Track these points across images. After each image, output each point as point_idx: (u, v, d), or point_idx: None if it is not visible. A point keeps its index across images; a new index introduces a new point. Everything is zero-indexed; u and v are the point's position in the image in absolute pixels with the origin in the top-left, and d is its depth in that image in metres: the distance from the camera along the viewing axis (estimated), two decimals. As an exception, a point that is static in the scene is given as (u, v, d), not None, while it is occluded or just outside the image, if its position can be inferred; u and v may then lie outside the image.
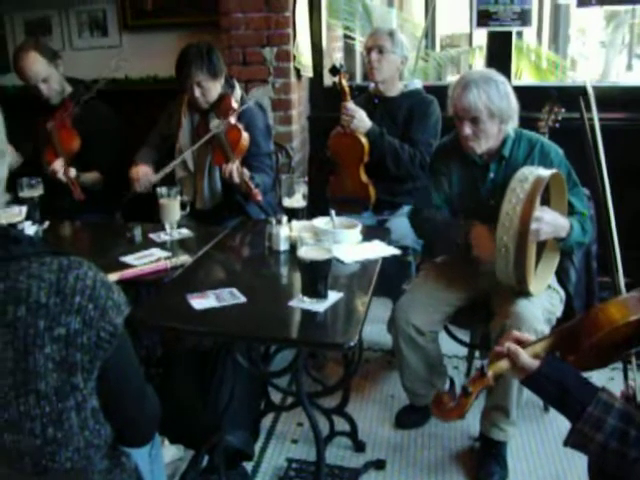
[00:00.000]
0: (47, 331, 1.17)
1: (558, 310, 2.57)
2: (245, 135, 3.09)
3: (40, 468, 1.24)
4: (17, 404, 1.18)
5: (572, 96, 3.41)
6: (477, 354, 3.20)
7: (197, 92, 3.11)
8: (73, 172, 3.26)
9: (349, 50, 4.94)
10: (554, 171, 2.36)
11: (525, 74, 5.98)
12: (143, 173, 3.15)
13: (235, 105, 3.14)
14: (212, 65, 3.10)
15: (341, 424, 2.73)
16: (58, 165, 3.23)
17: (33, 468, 1.24)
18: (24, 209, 2.77)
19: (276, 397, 2.80)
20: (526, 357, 1.48)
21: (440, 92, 3.37)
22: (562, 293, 2.63)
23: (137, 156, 3.32)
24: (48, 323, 1.17)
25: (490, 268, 2.42)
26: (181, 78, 3.12)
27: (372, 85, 3.48)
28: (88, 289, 1.22)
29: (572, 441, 1.40)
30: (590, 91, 2.74)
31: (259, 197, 2.99)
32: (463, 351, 3.25)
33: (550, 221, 2.34)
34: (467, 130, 2.50)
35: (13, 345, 1.16)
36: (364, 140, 3.29)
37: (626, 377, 2.51)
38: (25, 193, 2.83)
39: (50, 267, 1.20)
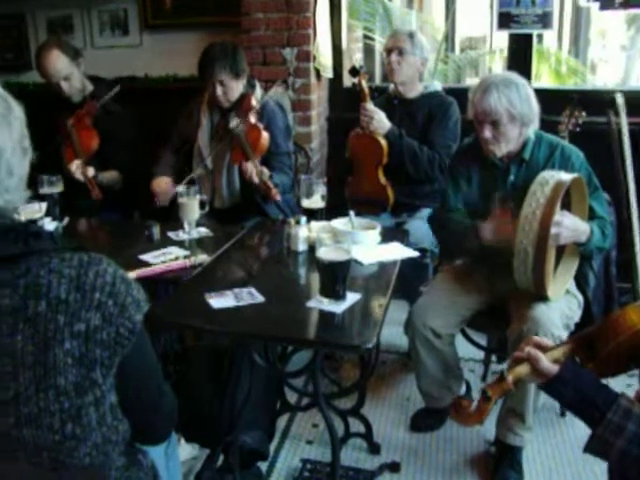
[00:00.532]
0: (67, 326, 1.18)
1: (576, 315, 2.55)
2: (265, 135, 3.10)
3: (58, 463, 1.24)
4: (37, 399, 1.18)
5: (594, 100, 3.41)
6: (494, 358, 3.19)
7: (219, 90, 3.12)
8: (91, 171, 3.27)
9: (369, 51, 4.94)
10: (575, 175, 2.34)
11: (544, 78, 5.96)
12: (164, 189, 3.16)
13: (255, 104, 3.15)
14: (236, 64, 3.11)
15: (356, 425, 2.72)
16: (74, 167, 3.24)
17: (51, 463, 1.23)
18: (44, 205, 2.79)
19: (292, 397, 2.80)
20: (546, 362, 1.47)
21: (459, 94, 3.36)
22: (580, 298, 2.61)
23: (156, 167, 3.33)
24: (68, 318, 1.18)
25: (508, 264, 2.40)
26: (204, 75, 3.13)
27: (392, 86, 3.48)
28: (108, 285, 1.23)
29: (592, 447, 1.39)
30: (619, 100, 2.71)
31: (278, 197, 3.00)
32: (479, 354, 3.23)
33: (570, 225, 2.32)
34: (487, 133, 2.49)
35: (33, 340, 1.17)
36: (383, 141, 3.28)
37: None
38: (45, 190, 2.85)
39: (70, 263, 1.21)
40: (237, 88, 3.17)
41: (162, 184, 3.19)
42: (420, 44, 3.35)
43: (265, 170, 3.00)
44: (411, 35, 3.35)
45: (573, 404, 1.44)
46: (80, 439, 1.24)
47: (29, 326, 1.16)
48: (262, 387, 2.39)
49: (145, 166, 3.48)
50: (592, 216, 2.49)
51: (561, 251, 2.49)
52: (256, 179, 2.98)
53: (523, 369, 1.50)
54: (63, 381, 1.19)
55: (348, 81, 4.08)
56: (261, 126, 3.12)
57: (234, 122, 3.09)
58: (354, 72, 3.31)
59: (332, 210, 2.71)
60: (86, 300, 1.20)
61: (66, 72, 3.36)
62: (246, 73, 3.21)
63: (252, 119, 3.10)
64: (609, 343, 1.49)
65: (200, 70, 3.14)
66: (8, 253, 1.18)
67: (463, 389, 2.86)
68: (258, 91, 3.27)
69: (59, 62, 3.34)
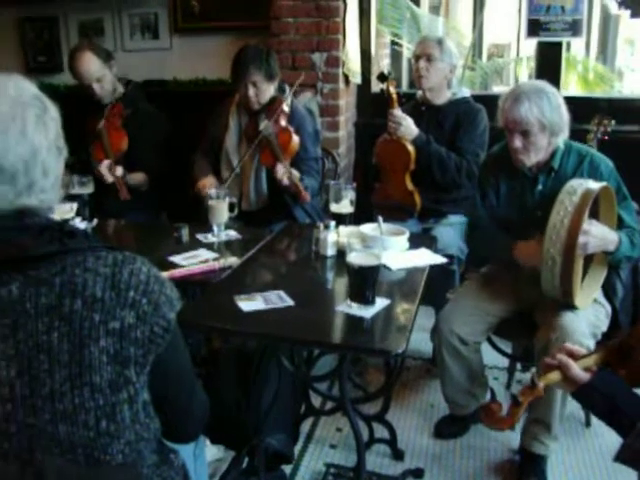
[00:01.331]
0: (102, 324, 1.20)
1: (604, 325, 2.54)
2: (295, 138, 3.12)
3: (93, 460, 1.25)
4: (72, 396, 1.20)
5: (622, 108, 3.39)
6: (518, 366, 3.18)
7: (251, 91, 3.14)
8: (120, 171, 3.31)
9: (396, 57, 4.94)
10: (604, 184, 2.34)
11: (572, 85, 5.94)
12: (209, 186, 3.17)
13: (286, 108, 3.17)
14: (270, 67, 3.14)
15: (380, 431, 2.72)
16: (104, 167, 3.27)
17: (86, 460, 1.25)
18: (75, 206, 2.82)
19: (316, 401, 2.81)
20: (577, 369, 1.47)
21: (486, 101, 3.38)
22: (608, 307, 2.59)
23: (196, 170, 3.36)
24: (103, 317, 1.20)
25: (532, 271, 2.40)
26: (237, 76, 3.16)
27: (419, 93, 3.47)
28: (142, 284, 1.24)
29: (622, 456, 1.38)
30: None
31: (308, 198, 3.02)
32: (504, 362, 3.22)
33: (598, 234, 2.31)
34: (517, 143, 2.49)
35: (69, 338, 1.18)
36: (411, 147, 3.28)
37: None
38: (76, 190, 2.88)
39: (105, 261, 1.22)
40: (269, 91, 3.19)
41: (207, 183, 3.22)
42: (449, 50, 3.34)
43: (295, 172, 3.02)
44: (440, 42, 3.35)
45: (604, 412, 1.43)
46: (114, 436, 1.26)
47: (65, 324, 1.18)
48: (288, 391, 2.40)
49: (173, 168, 3.52)
50: (621, 225, 2.48)
51: (589, 260, 2.48)
52: (286, 181, 3.00)
53: (554, 376, 1.50)
54: (98, 379, 1.21)
55: (376, 87, 4.08)
56: (292, 129, 3.14)
57: (264, 124, 3.11)
58: (382, 78, 3.31)
59: (359, 215, 2.72)
60: (121, 298, 1.21)
61: (98, 74, 3.41)
62: (278, 77, 3.23)
63: (283, 122, 3.13)
64: None
65: (233, 70, 3.17)
66: (44, 252, 1.20)
67: (488, 397, 2.85)
68: (288, 95, 3.29)
69: (92, 64, 3.39)
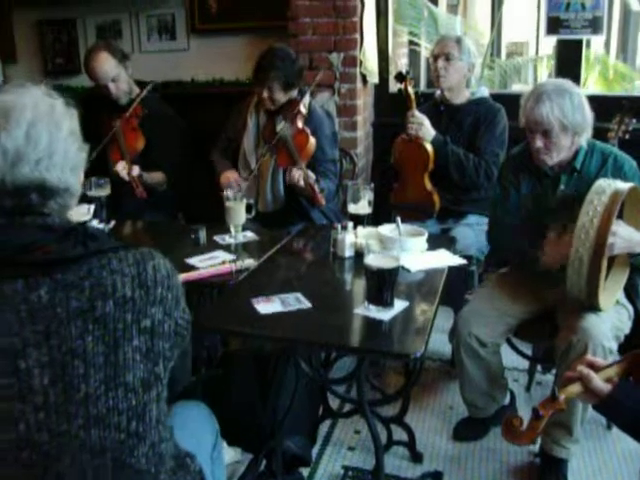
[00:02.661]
0: (135, 324, 1.23)
1: (626, 327, 2.50)
2: (312, 140, 3.11)
3: (119, 463, 1.27)
4: (106, 398, 1.22)
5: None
6: (539, 368, 3.15)
7: (265, 93, 3.14)
8: (136, 170, 3.31)
9: (414, 56, 4.91)
10: (632, 185, 2.30)
11: (591, 83, 5.88)
12: (234, 179, 3.20)
13: (303, 110, 3.16)
14: (291, 76, 3.14)
15: (399, 433, 2.71)
16: (120, 167, 3.28)
17: (113, 463, 1.26)
18: (92, 208, 2.82)
19: (334, 403, 2.79)
20: (598, 381, 1.44)
21: (505, 100, 3.36)
22: (631, 309, 2.56)
23: (217, 165, 3.39)
24: (135, 316, 1.23)
25: (556, 274, 2.37)
26: (256, 76, 3.15)
27: (438, 92, 3.45)
28: (166, 279, 1.29)
29: None
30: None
31: (323, 201, 3.00)
32: (524, 364, 3.19)
33: (625, 236, 2.27)
34: (539, 143, 2.46)
35: (103, 340, 1.20)
36: (429, 147, 3.26)
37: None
38: (93, 192, 2.88)
39: (127, 261, 1.25)
40: (284, 97, 3.19)
41: (230, 176, 3.24)
42: (467, 49, 3.32)
43: (311, 174, 3.01)
44: (458, 40, 3.33)
45: (627, 424, 1.41)
46: (141, 437, 1.28)
47: (98, 327, 1.20)
48: (305, 392, 2.39)
49: (190, 168, 3.52)
50: (644, 226, 2.44)
51: (611, 261, 2.45)
52: (302, 183, 2.98)
53: (575, 388, 1.47)
54: (131, 378, 1.23)
55: (394, 86, 4.06)
56: (308, 131, 3.13)
57: (281, 125, 3.10)
58: (400, 77, 3.30)
59: (377, 216, 2.70)
60: (150, 296, 1.25)
61: (113, 74, 3.41)
62: (297, 87, 3.23)
63: (299, 124, 3.12)
64: None
65: (255, 69, 3.16)
66: (72, 255, 1.20)
67: (507, 399, 2.83)
68: (307, 97, 3.27)
69: (107, 64, 3.39)
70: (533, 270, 2.54)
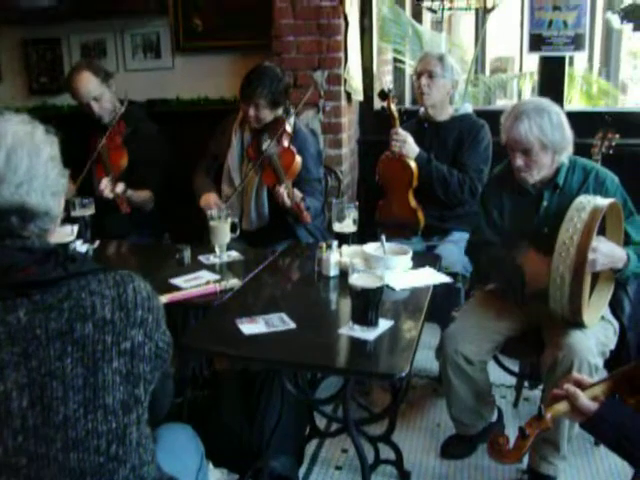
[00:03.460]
0: (114, 346, 1.22)
1: (612, 342, 2.51)
2: (298, 159, 3.12)
3: None
4: (85, 421, 1.21)
5: (627, 121, 3.37)
6: (526, 384, 3.14)
7: (251, 111, 3.14)
8: (120, 187, 3.29)
9: (399, 74, 4.93)
10: (612, 200, 2.31)
11: (575, 99, 5.93)
12: (213, 202, 3.19)
13: (289, 129, 3.16)
14: (277, 95, 3.14)
15: (386, 452, 2.69)
16: (103, 185, 3.26)
17: None
18: (75, 228, 2.80)
19: (321, 422, 2.78)
20: (585, 399, 1.44)
21: (490, 116, 3.36)
22: (616, 325, 2.56)
23: (198, 186, 3.38)
24: (115, 338, 1.22)
25: (541, 292, 2.37)
26: (243, 92, 3.15)
27: (422, 109, 3.47)
28: (146, 301, 1.28)
29: None
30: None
31: (309, 219, 3.00)
32: (511, 380, 3.19)
33: (607, 252, 2.29)
34: (519, 161, 2.48)
35: (82, 362, 1.19)
36: (413, 165, 3.28)
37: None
38: (77, 212, 2.87)
39: (107, 283, 1.24)
40: (270, 116, 3.19)
41: (211, 199, 3.22)
42: (450, 67, 3.34)
43: (297, 192, 3.00)
44: (441, 58, 3.35)
45: (614, 443, 1.40)
46: (121, 460, 1.27)
47: (77, 349, 1.19)
48: (292, 412, 2.38)
49: (176, 187, 3.51)
50: (627, 241, 2.45)
51: (596, 277, 2.46)
52: (288, 201, 2.98)
53: (562, 407, 1.47)
54: (111, 400, 1.23)
55: (378, 104, 4.08)
56: (294, 150, 3.13)
57: (267, 143, 3.10)
58: (383, 95, 3.31)
59: (362, 234, 2.70)
60: (130, 318, 1.24)
61: (96, 93, 3.40)
62: (284, 105, 3.23)
63: (285, 142, 3.12)
64: None
65: (242, 86, 3.16)
66: (51, 277, 1.20)
67: (495, 416, 2.82)
68: (292, 116, 3.28)
69: (89, 83, 3.38)
70: (518, 294, 2.54)
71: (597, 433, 1.45)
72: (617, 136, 3.05)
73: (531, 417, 1.49)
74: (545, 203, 2.56)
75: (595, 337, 2.39)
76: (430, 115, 3.41)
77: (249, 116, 3.17)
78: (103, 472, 1.25)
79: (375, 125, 4.12)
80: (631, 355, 2.55)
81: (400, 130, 3.28)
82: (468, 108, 3.49)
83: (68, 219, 2.81)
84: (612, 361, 2.45)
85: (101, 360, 1.21)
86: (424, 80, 3.31)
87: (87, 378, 1.20)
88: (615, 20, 6.60)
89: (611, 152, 3.04)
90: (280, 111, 3.23)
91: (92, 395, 1.21)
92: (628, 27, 3.69)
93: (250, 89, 3.11)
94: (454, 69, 3.36)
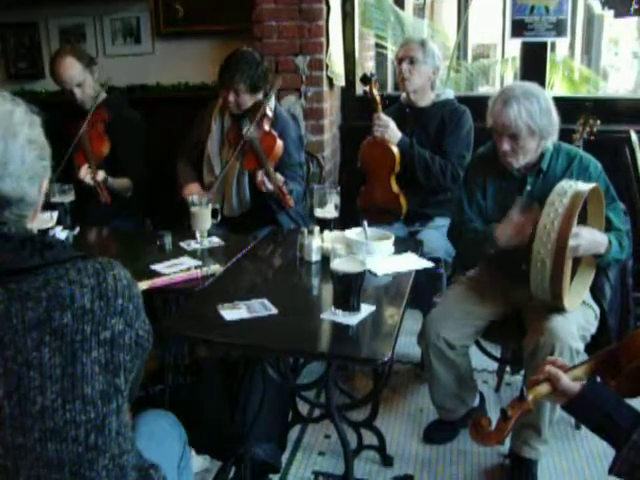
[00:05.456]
0: (94, 335, 1.20)
1: (593, 327, 2.52)
2: (279, 142, 3.10)
3: (78, 477, 1.25)
4: (63, 411, 1.19)
5: (608, 108, 3.38)
6: (508, 369, 3.16)
7: (231, 97, 3.13)
8: (101, 175, 3.28)
9: (381, 59, 4.92)
10: (593, 185, 2.32)
11: (557, 86, 5.94)
12: (198, 193, 3.15)
13: (270, 113, 3.14)
14: (256, 79, 3.12)
15: (369, 437, 2.70)
16: (84, 171, 3.24)
17: (72, 477, 1.24)
18: (55, 214, 2.78)
19: (303, 408, 2.78)
20: (567, 381, 1.44)
21: (472, 102, 3.37)
22: (597, 309, 2.58)
23: (180, 176, 3.35)
24: (95, 327, 1.20)
25: (523, 274, 2.38)
26: (222, 79, 3.14)
27: (403, 95, 3.46)
28: (127, 289, 1.26)
29: (617, 469, 1.35)
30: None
31: (291, 203, 2.99)
32: (493, 365, 3.21)
33: (588, 237, 2.30)
34: (506, 146, 2.47)
35: (60, 352, 1.17)
36: (395, 150, 3.27)
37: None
38: (57, 198, 2.84)
39: (87, 272, 1.22)
40: (250, 101, 3.17)
41: (194, 190, 3.21)
42: (432, 52, 3.33)
43: (279, 176, 2.99)
44: (422, 43, 3.34)
45: (596, 424, 1.41)
46: (101, 450, 1.26)
47: (55, 338, 1.17)
48: (274, 399, 2.37)
49: (156, 174, 3.48)
50: (609, 227, 2.47)
51: (577, 262, 2.47)
52: (270, 186, 2.97)
53: (543, 388, 1.47)
54: (90, 390, 1.21)
55: (360, 89, 4.06)
56: (276, 133, 3.11)
57: (247, 128, 3.08)
58: (365, 80, 3.30)
59: (344, 219, 2.69)
60: (110, 307, 1.22)
61: (79, 79, 3.37)
62: (264, 89, 3.21)
63: (266, 126, 3.10)
64: (631, 361, 1.47)
65: (220, 72, 3.14)
66: (27, 265, 1.18)
67: (477, 401, 2.84)
68: (272, 100, 3.26)
69: (73, 69, 3.35)
70: (503, 267, 2.54)
71: (579, 414, 1.45)
72: (598, 122, 3.05)
73: (513, 399, 1.50)
74: (529, 187, 2.56)
75: (576, 321, 2.40)
76: (412, 100, 3.40)
77: (229, 102, 3.15)
78: (82, 462, 1.23)
79: (357, 111, 4.10)
80: (611, 339, 2.56)
81: (382, 115, 3.27)
82: (450, 94, 3.48)
83: (48, 205, 2.78)
84: (593, 345, 2.47)
85: (80, 350, 1.19)
86: (405, 66, 3.30)
87: (65, 368, 1.18)
88: (596, 6, 6.63)
89: (592, 138, 3.04)
90: (260, 95, 3.20)
91: (70, 385, 1.19)
92: (609, 14, 3.69)
93: (229, 75, 3.09)
94: (435, 55, 3.35)
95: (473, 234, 2.64)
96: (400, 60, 3.33)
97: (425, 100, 3.40)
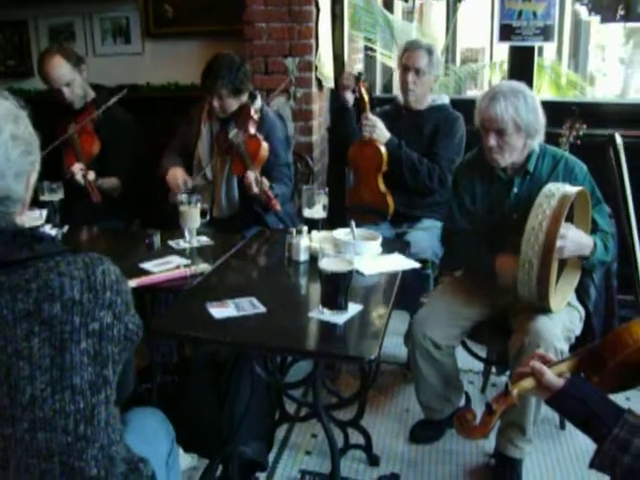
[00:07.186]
0: (83, 327, 1.21)
1: (577, 328, 2.55)
2: (265, 145, 3.10)
3: (68, 467, 1.26)
4: (52, 401, 1.21)
5: (594, 112, 3.41)
6: (493, 370, 3.18)
7: (215, 102, 3.14)
8: (92, 175, 3.28)
9: (370, 62, 4.94)
10: (580, 188, 2.35)
11: (544, 90, 5.99)
12: (181, 178, 3.17)
13: (255, 115, 3.14)
14: (238, 82, 3.12)
15: (355, 437, 2.71)
16: (77, 168, 3.25)
17: (61, 467, 1.26)
18: (44, 212, 2.78)
19: (291, 407, 2.79)
20: (551, 375, 1.46)
21: (460, 105, 3.40)
22: (582, 311, 2.60)
23: (165, 162, 3.33)
24: (84, 319, 1.21)
25: (509, 282, 2.40)
26: (204, 86, 3.14)
27: (400, 96, 3.47)
28: (115, 284, 1.27)
29: (598, 463, 1.37)
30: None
31: (278, 207, 2.99)
32: (479, 366, 3.22)
33: (574, 239, 2.32)
34: (492, 141, 2.49)
35: (50, 342, 1.19)
36: (383, 149, 3.29)
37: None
38: (46, 196, 2.85)
39: (76, 265, 1.23)
40: (235, 104, 3.18)
41: (178, 173, 3.20)
42: (436, 62, 3.37)
43: (265, 180, 2.99)
44: (430, 51, 3.34)
45: (578, 419, 1.43)
46: (90, 440, 1.27)
47: (44, 329, 1.18)
48: (261, 397, 2.38)
49: (146, 173, 3.48)
50: (594, 229, 2.49)
51: (563, 264, 2.49)
52: (256, 189, 2.97)
53: (528, 383, 1.49)
54: (79, 380, 1.23)
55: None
56: (261, 137, 3.12)
57: (233, 132, 3.09)
58: (355, 80, 3.31)
59: (332, 220, 2.71)
60: (99, 299, 1.24)
61: (68, 78, 3.37)
62: (247, 90, 3.21)
63: (252, 129, 3.10)
64: (615, 357, 1.49)
65: (202, 79, 3.15)
66: (18, 258, 1.19)
67: (462, 401, 2.85)
68: (258, 101, 3.27)
69: (61, 69, 3.35)
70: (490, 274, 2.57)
71: (562, 409, 1.47)
72: (584, 126, 3.08)
73: (498, 393, 1.52)
74: (516, 189, 2.59)
75: (561, 323, 2.43)
76: (409, 103, 3.41)
77: (214, 107, 3.16)
78: (71, 452, 1.25)
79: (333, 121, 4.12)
80: (596, 340, 2.59)
81: (370, 115, 3.30)
82: (445, 99, 3.51)
83: (37, 203, 2.78)
84: (577, 346, 2.49)
85: (69, 340, 1.20)
86: (411, 77, 3.31)
87: (54, 358, 1.19)
88: (583, 12, 6.67)
89: (578, 142, 3.07)
90: (245, 98, 3.21)
91: (59, 375, 1.20)
92: (596, 19, 3.72)
93: (210, 81, 3.10)
94: (439, 63, 3.41)
95: (470, 251, 2.66)
96: (405, 68, 3.34)
97: (422, 104, 3.42)
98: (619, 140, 2.60)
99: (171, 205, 3.07)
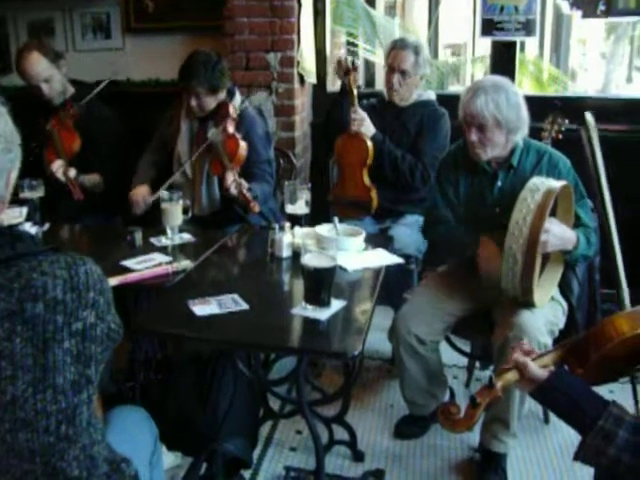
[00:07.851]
0: (66, 326, 1.20)
1: (561, 322, 2.56)
2: (243, 144, 3.07)
3: (49, 468, 1.25)
4: (34, 401, 1.20)
5: (576, 107, 3.42)
6: (477, 364, 3.19)
7: (193, 101, 3.11)
8: (73, 172, 3.26)
9: (352, 57, 4.93)
10: (564, 183, 2.35)
11: (525, 85, 6.01)
12: (141, 196, 3.14)
13: (233, 113, 3.11)
14: (215, 80, 3.09)
15: (340, 433, 2.70)
16: (57, 166, 3.22)
17: (43, 468, 1.25)
18: (24, 210, 2.75)
19: (275, 404, 2.78)
20: (535, 368, 1.46)
21: (443, 100, 3.40)
22: (565, 305, 2.61)
23: (135, 179, 3.31)
24: (67, 318, 1.20)
25: (494, 280, 2.41)
26: (181, 83, 3.13)
27: (386, 91, 3.45)
28: (98, 283, 1.27)
29: (582, 455, 1.38)
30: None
31: (256, 209, 2.93)
32: (463, 361, 3.23)
33: (558, 233, 2.33)
34: (474, 137, 2.50)
35: (32, 342, 1.18)
36: (369, 143, 3.28)
37: (635, 391, 2.48)
38: (26, 194, 2.81)
39: (59, 264, 1.22)
40: (213, 102, 3.15)
41: (139, 193, 3.18)
42: (424, 62, 3.33)
43: (244, 182, 2.95)
44: (417, 51, 3.30)
45: (563, 411, 1.43)
46: (72, 440, 1.27)
47: (27, 328, 1.17)
48: (245, 394, 2.37)
49: (126, 170, 3.45)
50: (577, 223, 2.50)
51: (546, 258, 2.49)
52: (235, 191, 2.94)
53: (512, 376, 1.50)
54: (61, 380, 1.22)
55: (332, 86, 4.08)
56: (239, 136, 3.08)
57: (212, 131, 3.07)
58: (347, 70, 3.29)
59: (315, 216, 2.70)
60: (82, 299, 1.23)
61: (46, 74, 3.33)
62: (225, 88, 3.19)
63: (230, 128, 3.07)
64: (598, 350, 1.49)
65: (179, 76, 3.13)
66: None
67: (447, 396, 2.86)
68: (238, 98, 3.25)
69: (39, 64, 3.31)
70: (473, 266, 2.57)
71: (546, 401, 1.47)
72: (566, 121, 3.08)
73: (482, 386, 1.52)
74: (499, 183, 2.59)
75: (544, 317, 2.43)
76: (395, 101, 3.40)
77: (192, 106, 3.14)
78: (53, 452, 1.24)
79: (328, 107, 4.10)
80: (579, 334, 2.60)
81: (359, 109, 3.28)
82: (431, 95, 3.49)
83: (17, 201, 2.75)
84: (561, 340, 2.49)
85: (52, 340, 1.19)
86: (396, 78, 3.29)
87: (37, 358, 1.18)
88: (565, 6, 6.70)
89: (560, 137, 3.07)
90: (223, 95, 3.19)
91: (42, 375, 1.19)
92: (577, 14, 3.73)
93: (186, 80, 3.08)
94: (426, 63, 3.36)
95: (451, 238, 2.66)
96: (391, 68, 3.32)
97: (407, 100, 3.41)
98: (590, 118, 2.60)
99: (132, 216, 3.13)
